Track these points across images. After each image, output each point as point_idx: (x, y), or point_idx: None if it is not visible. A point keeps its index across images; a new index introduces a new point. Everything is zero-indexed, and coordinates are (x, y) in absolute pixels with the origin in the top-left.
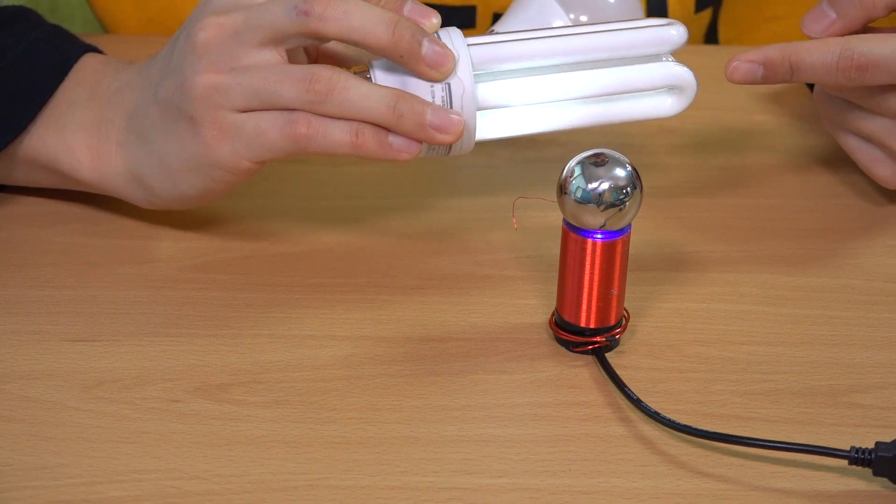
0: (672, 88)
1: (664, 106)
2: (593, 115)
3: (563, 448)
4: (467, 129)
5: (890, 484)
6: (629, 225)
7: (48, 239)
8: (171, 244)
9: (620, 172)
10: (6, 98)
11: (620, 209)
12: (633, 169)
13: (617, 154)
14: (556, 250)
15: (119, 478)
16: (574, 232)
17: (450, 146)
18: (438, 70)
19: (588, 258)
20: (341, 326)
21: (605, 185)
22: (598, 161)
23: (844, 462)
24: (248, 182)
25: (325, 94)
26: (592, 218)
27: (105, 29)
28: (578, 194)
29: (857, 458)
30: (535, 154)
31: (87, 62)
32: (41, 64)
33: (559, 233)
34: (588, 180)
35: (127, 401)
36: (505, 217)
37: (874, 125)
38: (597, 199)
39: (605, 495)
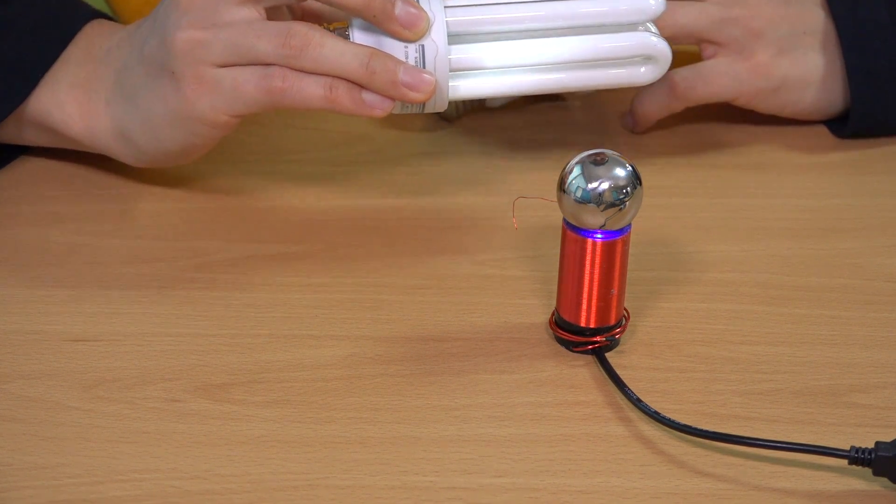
0: (647, 58)
1: (637, 74)
2: (566, 80)
3: (563, 448)
4: (439, 88)
5: (890, 484)
6: (629, 225)
7: (48, 239)
8: (171, 244)
9: (620, 172)
10: (11, 68)
11: (620, 209)
12: (633, 169)
13: (617, 154)
14: (556, 250)
15: (119, 478)
16: (574, 232)
17: (423, 104)
18: (411, 30)
19: (588, 258)
20: (341, 326)
21: (605, 185)
22: (598, 161)
23: (844, 462)
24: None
25: (301, 49)
26: (592, 218)
27: (114, 12)
28: (578, 194)
29: (857, 457)
30: (535, 154)
31: (89, 28)
32: (46, 35)
33: (559, 233)
34: (588, 180)
35: (127, 401)
36: (505, 217)
37: (694, 19)
38: (597, 199)
39: (605, 495)
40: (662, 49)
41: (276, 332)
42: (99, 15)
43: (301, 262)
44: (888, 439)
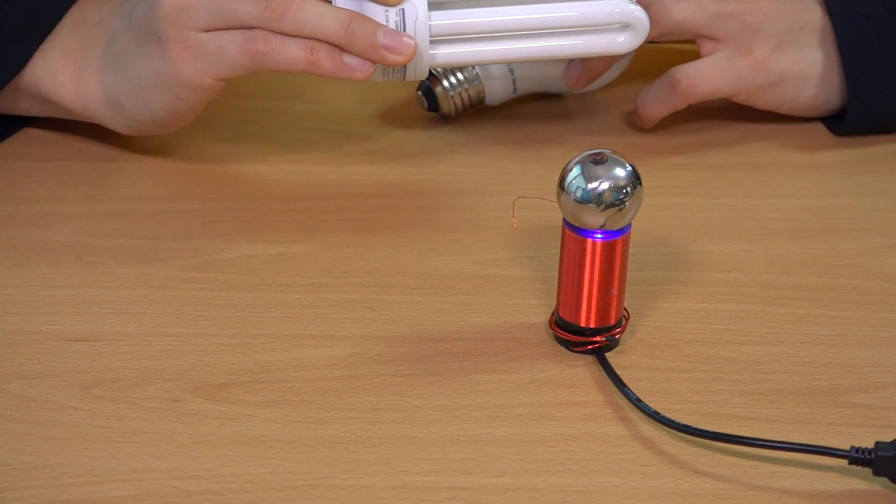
0: (625, 26)
1: (616, 43)
2: (545, 48)
3: (563, 448)
4: (419, 53)
5: (890, 484)
6: (629, 225)
7: (48, 239)
8: (171, 244)
9: (620, 172)
10: (5, 38)
11: (620, 209)
12: (633, 168)
13: (617, 154)
14: (556, 250)
15: (119, 478)
16: (574, 231)
17: (405, 70)
18: None
19: (588, 258)
20: (341, 326)
21: (604, 185)
22: (598, 160)
23: (844, 462)
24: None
25: (282, 11)
26: (592, 218)
27: None
28: (578, 194)
29: (857, 457)
30: (535, 154)
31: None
32: (40, 6)
33: (559, 233)
34: (588, 180)
35: (127, 401)
36: (505, 217)
37: (691, 14)
38: (597, 199)
39: (605, 495)
40: (640, 17)
41: (276, 332)
42: None
43: (301, 262)
44: (888, 439)
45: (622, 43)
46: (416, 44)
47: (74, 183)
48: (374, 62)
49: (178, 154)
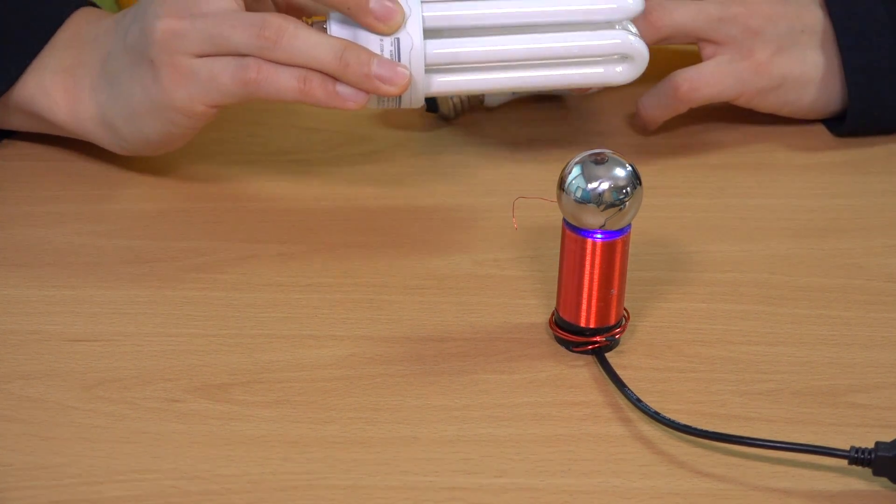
0: (624, 57)
1: (614, 74)
2: (543, 78)
3: (563, 448)
4: (414, 82)
5: (890, 484)
6: (629, 225)
7: (48, 239)
8: (171, 244)
9: (620, 172)
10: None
11: (620, 209)
12: (633, 168)
13: (617, 154)
14: (556, 250)
15: (119, 478)
16: (574, 232)
17: (399, 99)
18: (386, 24)
19: (588, 258)
20: (341, 326)
21: (605, 185)
22: (598, 161)
23: (844, 462)
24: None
25: (274, 40)
26: (592, 218)
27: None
28: (578, 194)
29: (857, 457)
30: (535, 154)
31: (77, 15)
32: (35, 21)
33: (559, 233)
34: (588, 180)
35: (127, 401)
36: (505, 217)
37: (692, 18)
38: (597, 199)
39: (605, 495)
40: (640, 49)
41: (276, 332)
42: (87, 2)
43: (301, 262)
44: (888, 439)
45: (620, 74)
46: (410, 73)
47: (74, 183)
48: (367, 92)
49: (178, 154)
